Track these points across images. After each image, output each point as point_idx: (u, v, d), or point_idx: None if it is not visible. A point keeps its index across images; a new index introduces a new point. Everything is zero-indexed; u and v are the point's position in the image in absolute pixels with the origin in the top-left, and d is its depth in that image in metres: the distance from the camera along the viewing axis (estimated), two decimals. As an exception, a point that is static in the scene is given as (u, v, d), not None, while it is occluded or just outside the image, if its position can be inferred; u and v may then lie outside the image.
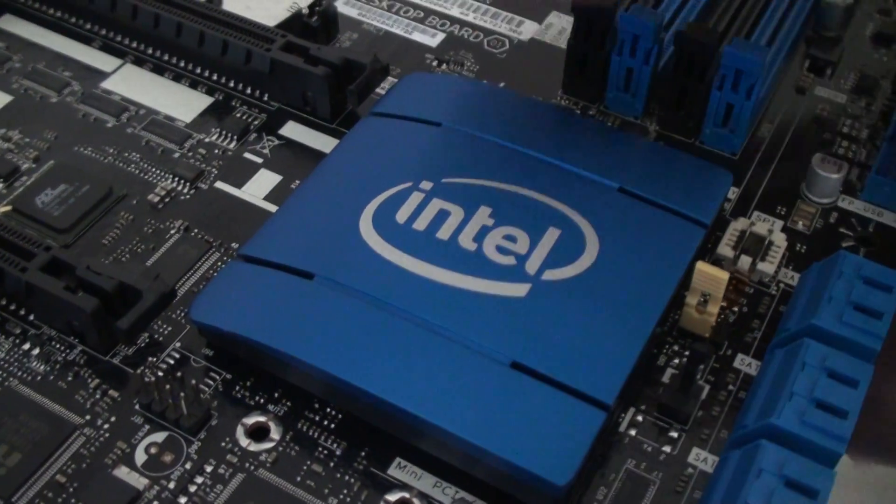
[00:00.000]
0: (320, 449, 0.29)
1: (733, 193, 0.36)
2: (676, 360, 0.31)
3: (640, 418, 0.30)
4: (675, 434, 0.29)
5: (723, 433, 0.29)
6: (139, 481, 0.28)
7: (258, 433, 0.29)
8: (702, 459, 0.29)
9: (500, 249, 0.30)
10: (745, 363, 0.31)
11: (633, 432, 0.29)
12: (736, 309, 0.32)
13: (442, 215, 0.31)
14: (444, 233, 0.31)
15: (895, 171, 0.35)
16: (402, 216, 0.31)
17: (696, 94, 0.36)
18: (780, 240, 0.33)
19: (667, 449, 0.29)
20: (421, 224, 0.31)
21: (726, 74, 0.35)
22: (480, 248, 0.30)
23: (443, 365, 0.28)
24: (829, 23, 0.41)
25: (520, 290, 0.29)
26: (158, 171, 0.36)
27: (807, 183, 0.36)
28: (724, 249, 0.33)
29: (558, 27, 0.42)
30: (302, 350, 0.28)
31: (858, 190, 0.36)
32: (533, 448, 0.26)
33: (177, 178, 0.36)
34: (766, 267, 0.33)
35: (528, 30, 0.42)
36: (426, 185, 0.32)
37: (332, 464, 0.28)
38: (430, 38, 0.42)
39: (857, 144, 0.38)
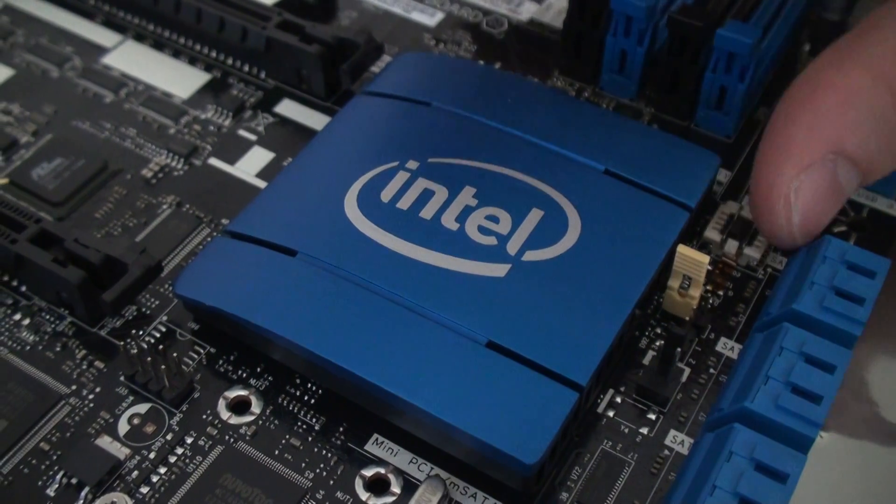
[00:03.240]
0: (299, 424, 0.29)
1: (725, 177, 0.36)
2: (658, 343, 0.31)
3: (618, 400, 0.30)
4: (653, 416, 0.29)
5: (701, 416, 0.29)
6: (121, 451, 0.28)
7: (239, 407, 0.29)
8: (679, 442, 0.29)
9: (482, 230, 0.30)
10: (728, 347, 0.31)
11: (611, 413, 0.29)
12: (721, 292, 0.32)
13: (426, 195, 0.31)
14: (427, 212, 0.31)
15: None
16: (386, 195, 0.31)
17: (690, 77, 0.36)
18: (768, 224, 0.33)
19: (644, 431, 0.29)
20: (405, 203, 0.31)
21: (719, 57, 0.35)
22: (463, 228, 0.30)
23: (420, 343, 0.28)
24: (831, 6, 0.41)
25: (500, 270, 0.29)
26: (153, 147, 0.36)
27: (799, 167, 0.35)
28: (712, 233, 0.33)
29: (557, 8, 0.42)
30: (280, 326, 0.28)
31: (854, 175, 0.36)
32: (504, 427, 0.26)
33: (171, 154, 0.36)
34: (753, 251, 0.33)
35: (527, 10, 0.42)
36: (412, 164, 0.32)
37: (310, 438, 0.29)
38: (429, 18, 0.42)
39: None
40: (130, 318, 0.31)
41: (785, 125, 0.29)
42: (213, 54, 0.40)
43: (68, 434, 0.29)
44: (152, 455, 0.28)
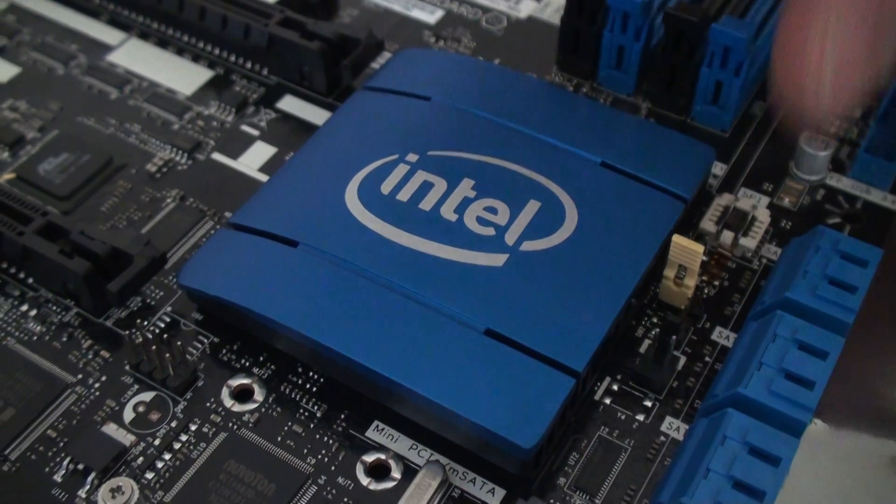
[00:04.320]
0: (301, 411, 0.30)
1: (721, 170, 0.36)
2: (654, 332, 0.31)
3: (615, 387, 0.30)
4: (649, 403, 0.30)
5: (696, 403, 0.30)
6: (126, 438, 0.29)
7: (242, 395, 0.30)
8: (675, 428, 0.29)
9: (481, 220, 0.31)
10: (723, 336, 0.31)
11: (607, 400, 0.30)
12: (717, 283, 0.33)
13: (425, 187, 0.32)
14: (426, 204, 0.31)
15: (884, 148, 0.35)
16: (386, 187, 0.32)
17: (686, 72, 0.36)
18: (763, 215, 0.34)
19: (640, 417, 0.30)
20: (405, 195, 0.32)
21: (714, 52, 0.35)
22: (461, 219, 0.31)
23: (420, 331, 0.28)
24: (827, 2, 0.41)
25: (497, 259, 0.30)
26: (158, 142, 0.37)
27: (795, 160, 0.36)
28: (707, 224, 0.34)
29: (556, 5, 0.43)
30: (283, 315, 0.29)
31: (848, 168, 0.36)
32: (502, 412, 0.27)
33: (175, 149, 0.37)
34: (749, 242, 0.33)
35: (526, 7, 0.43)
36: (412, 157, 0.33)
37: (312, 425, 0.29)
38: (429, 15, 0.43)
39: (850, 123, 0.38)
40: (135, 308, 0.32)
41: None
42: (216, 51, 0.40)
43: (75, 421, 0.29)
44: (157, 442, 0.29)
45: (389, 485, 0.28)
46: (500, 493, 0.28)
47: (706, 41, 0.35)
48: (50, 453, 0.28)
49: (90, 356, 0.31)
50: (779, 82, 0.26)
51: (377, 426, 0.29)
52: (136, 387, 0.30)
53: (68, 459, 0.28)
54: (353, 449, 0.29)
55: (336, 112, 0.36)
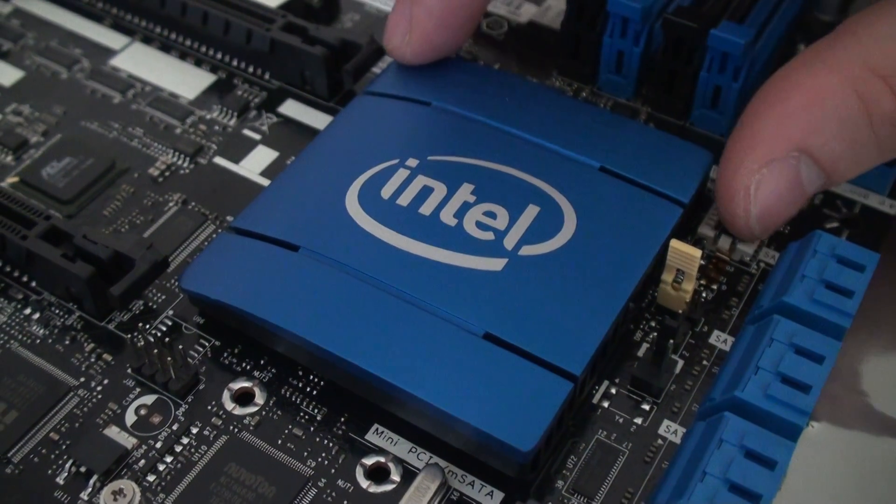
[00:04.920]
0: (302, 414, 0.30)
1: (720, 174, 0.36)
2: (652, 336, 0.32)
3: (613, 391, 0.30)
4: (646, 407, 0.30)
5: (694, 407, 0.30)
6: (128, 440, 0.29)
7: (243, 398, 0.30)
8: (672, 431, 0.30)
9: (480, 225, 0.31)
10: (721, 339, 0.32)
11: (605, 404, 0.30)
12: (715, 287, 0.33)
13: (425, 192, 0.32)
14: (426, 208, 0.32)
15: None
16: (387, 192, 0.32)
17: (685, 77, 0.37)
18: (761, 220, 0.34)
19: (638, 421, 0.30)
20: (405, 200, 0.32)
21: (713, 57, 0.35)
22: (461, 223, 0.31)
23: (419, 335, 0.29)
24: (826, 7, 0.42)
25: (496, 264, 0.30)
26: (160, 146, 0.37)
27: (793, 165, 0.36)
28: (705, 229, 0.34)
29: (557, 9, 0.43)
30: (283, 319, 0.29)
31: (846, 173, 0.36)
32: (501, 415, 0.27)
33: (177, 153, 0.37)
34: (746, 247, 0.33)
35: (526, 12, 0.43)
36: (412, 162, 0.33)
37: (312, 428, 0.29)
38: (430, 20, 0.43)
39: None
40: (137, 312, 0.32)
41: (753, 121, 0.30)
42: (219, 56, 0.41)
43: (77, 424, 0.29)
44: (159, 444, 0.29)
45: (389, 487, 0.28)
46: (499, 495, 0.28)
47: (705, 46, 0.35)
48: (52, 456, 0.29)
49: (92, 359, 0.31)
50: (719, 209, 0.31)
51: (377, 429, 0.29)
52: (138, 390, 0.30)
53: (70, 462, 0.29)
54: (353, 452, 0.29)
55: (337, 117, 0.36)
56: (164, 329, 0.32)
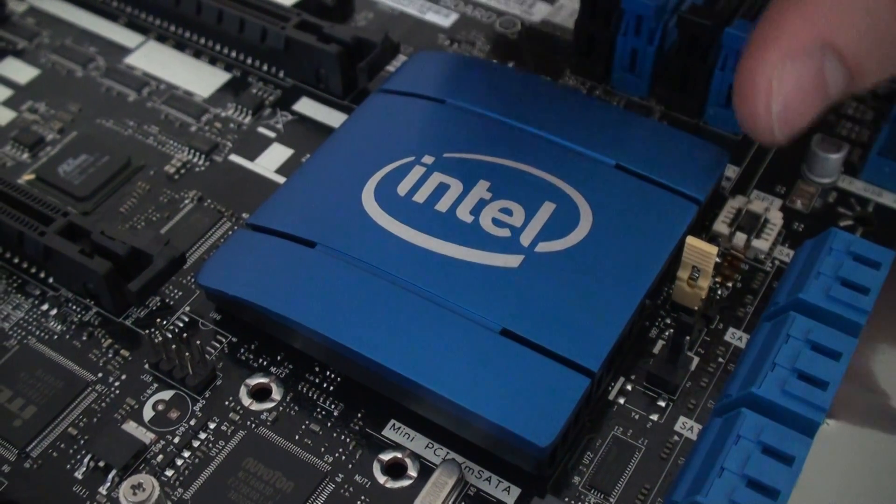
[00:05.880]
0: (319, 409, 0.30)
1: (734, 172, 0.36)
2: (668, 333, 0.32)
3: (629, 387, 0.30)
4: (662, 403, 0.30)
5: (710, 403, 0.30)
6: (146, 436, 0.29)
7: (260, 393, 0.30)
8: (688, 428, 0.30)
9: (496, 222, 0.31)
10: (737, 336, 0.32)
11: (622, 400, 0.30)
12: (730, 284, 0.33)
13: (441, 188, 0.32)
14: (442, 205, 0.32)
15: (896, 151, 0.35)
16: (403, 189, 0.32)
17: (700, 75, 0.37)
18: (775, 218, 0.34)
19: (654, 417, 0.30)
20: (421, 197, 0.32)
21: (728, 55, 0.35)
22: (477, 220, 0.31)
23: (437, 331, 0.29)
24: (839, 6, 0.42)
25: (513, 261, 0.30)
26: (175, 144, 0.37)
27: (807, 163, 0.36)
28: (720, 226, 0.34)
29: (570, 9, 0.43)
30: (301, 314, 0.29)
31: (860, 170, 0.36)
32: (518, 411, 0.27)
33: (193, 151, 0.37)
34: (761, 244, 0.33)
35: (539, 11, 0.43)
36: (428, 159, 0.33)
37: (329, 424, 0.30)
38: (444, 19, 0.43)
39: (862, 126, 0.38)
40: (154, 308, 0.32)
41: (777, 15, 0.27)
42: (234, 54, 0.41)
43: (95, 419, 0.30)
44: (177, 440, 0.29)
45: (406, 483, 0.28)
46: (516, 491, 0.28)
47: (719, 44, 0.35)
48: (71, 450, 0.29)
49: (110, 355, 0.31)
50: (736, 108, 0.28)
51: (394, 425, 0.30)
52: (156, 385, 0.30)
53: (89, 457, 0.29)
54: (370, 447, 0.29)
55: (352, 114, 0.36)
56: (182, 325, 0.32)
